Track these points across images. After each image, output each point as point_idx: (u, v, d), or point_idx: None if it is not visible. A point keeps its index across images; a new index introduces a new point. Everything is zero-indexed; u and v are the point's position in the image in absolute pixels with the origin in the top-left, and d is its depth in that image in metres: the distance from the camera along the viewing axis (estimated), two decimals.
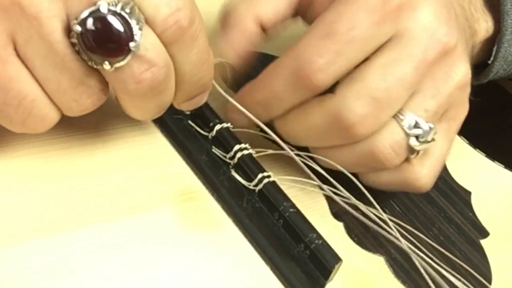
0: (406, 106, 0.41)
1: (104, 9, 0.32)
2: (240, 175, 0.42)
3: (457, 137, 0.56)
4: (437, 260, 0.42)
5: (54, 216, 0.36)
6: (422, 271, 0.38)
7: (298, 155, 0.42)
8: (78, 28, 0.32)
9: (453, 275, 0.41)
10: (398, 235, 0.41)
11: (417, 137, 0.41)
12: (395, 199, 0.47)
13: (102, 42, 0.33)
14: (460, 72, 0.42)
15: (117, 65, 0.33)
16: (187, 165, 0.42)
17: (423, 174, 0.43)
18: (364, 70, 0.40)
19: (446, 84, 0.42)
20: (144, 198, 0.39)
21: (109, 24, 0.33)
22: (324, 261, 0.39)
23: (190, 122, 0.44)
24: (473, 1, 0.52)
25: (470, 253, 0.46)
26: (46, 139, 0.39)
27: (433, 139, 0.42)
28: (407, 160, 0.42)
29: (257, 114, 0.41)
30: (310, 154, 0.43)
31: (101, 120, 0.42)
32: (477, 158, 0.55)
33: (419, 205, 0.48)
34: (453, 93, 0.42)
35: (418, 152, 0.42)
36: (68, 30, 0.33)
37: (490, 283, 0.45)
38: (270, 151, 0.44)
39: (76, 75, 0.34)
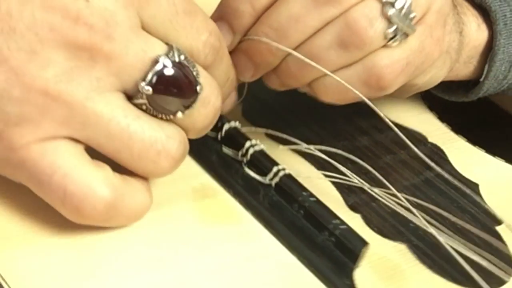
0: None
1: (166, 62, 0.32)
2: (254, 171, 0.41)
3: (456, 135, 0.56)
4: (462, 245, 0.42)
5: None
6: (454, 254, 0.37)
7: (308, 148, 0.42)
8: (146, 89, 0.32)
9: (479, 255, 0.41)
10: (424, 221, 0.40)
11: (392, 4, 0.38)
12: (407, 191, 0.46)
13: (171, 93, 0.33)
14: None
15: (188, 111, 0.34)
16: (199, 165, 0.41)
17: (386, 62, 0.40)
18: None
19: None
20: (159, 196, 0.37)
21: (173, 77, 0.33)
22: (350, 245, 0.38)
23: None
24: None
25: (489, 238, 0.45)
26: None
27: (411, 27, 0.39)
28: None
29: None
30: (322, 148, 0.42)
31: None
32: (478, 154, 0.55)
33: (431, 197, 0.47)
34: None
35: (395, 34, 0.39)
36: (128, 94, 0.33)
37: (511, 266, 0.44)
38: (281, 147, 0.43)
39: (148, 135, 0.33)
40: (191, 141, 0.41)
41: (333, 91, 0.41)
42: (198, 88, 0.34)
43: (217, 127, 0.43)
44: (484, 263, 0.41)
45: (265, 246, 0.38)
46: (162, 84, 0.32)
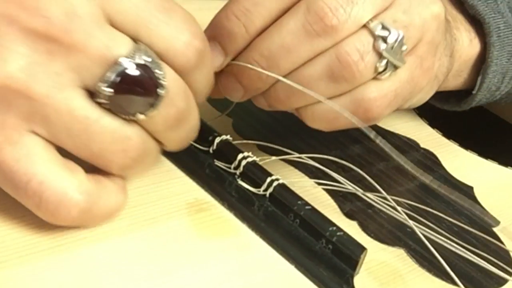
0: (375, 17, 0.38)
1: (127, 64, 0.32)
2: (247, 183, 0.41)
3: (447, 140, 0.56)
4: (460, 246, 0.41)
5: (70, 234, 0.34)
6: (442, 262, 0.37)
7: (300, 157, 0.41)
8: (106, 88, 0.32)
9: (477, 257, 0.41)
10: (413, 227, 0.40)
11: (385, 40, 0.38)
12: (403, 196, 0.46)
13: (132, 94, 0.33)
14: (436, 6, 0.41)
15: (150, 112, 0.33)
16: (192, 180, 0.41)
17: (375, 95, 0.39)
18: None
19: (420, 7, 0.40)
20: (154, 212, 0.37)
21: (134, 78, 0.32)
22: (348, 252, 0.37)
23: None
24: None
25: (486, 240, 0.45)
26: None
27: (402, 60, 0.39)
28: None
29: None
30: (316, 155, 0.42)
31: None
32: (471, 157, 0.55)
33: (427, 201, 0.47)
34: (427, 20, 0.40)
35: (385, 67, 0.38)
36: (90, 92, 0.32)
37: (511, 266, 0.44)
38: (274, 158, 0.43)
39: (108, 134, 0.33)
40: (182, 156, 0.41)
41: (320, 119, 0.40)
42: (159, 91, 0.33)
43: (208, 141, 0.42)
44: (483, 263, 0.41)
45: (262, 256, 0.37)
46: (123, 85, 0.32)
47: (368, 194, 0.41)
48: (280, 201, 0.40)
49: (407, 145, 0.53)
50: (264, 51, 0.38)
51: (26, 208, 0.33)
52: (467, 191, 0.50)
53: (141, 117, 0.33)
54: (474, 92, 0.53)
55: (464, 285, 0.39)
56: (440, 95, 0.53)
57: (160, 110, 0.33)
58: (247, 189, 0.41)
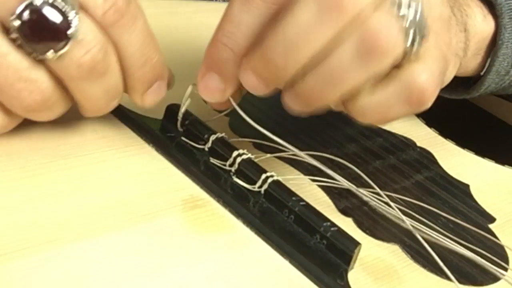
0: None
1: (38, 1, 0.34)
2: (242, 180, 0.41)
3: (444, 139, 0.56)
4: (456, 242, 0.41)
5: (67, 228, 0.35)
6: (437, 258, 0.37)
7: (295, 154, 0.41)
8: (16, 23, 0.34)
9: (473, 252, 0.41)
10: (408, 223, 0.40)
11: (407, 13, 0.36)
12: (399, 193, 0.46)
13: (41, 32, 0.34)
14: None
15: (60, 53, 0.35)
16: (188, 178, 0.41)
17: (424, 77, 0.37)
18: None
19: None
20: (150, 208, 0.38)
21: (44, 15, 0.34)
22: (342, 247, 0.38)
23: (183, 138, 0.43)
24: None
25: (482, 236, 0.45)
26: (58, 159, 0.39)
27: (426, 33, 0.37)
28: (402, 64, 0.38)
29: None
30: (311, 153, 0.42)
31: (97, 143, 0.41)
32: (467, 156, 0.55)
33: (422, 198, 0.47)
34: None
35: (413, 40, 0.37)
36: (5, 28, 0.34)
37: (507, 262, 0.44)
38: (269, 155, 0.43)
39: (14, 71, 0.35)
40: (178, 154, 0.41)
41: (371, 112, 0.38)
42: (70, 31, 0.34)
43: (204, 139, 0.43)
44: (478, 259, 0.41)
45: (257, 252, 0.38)
46: (33, 21, 0.34)
47: (362, 190, 0.41)
48: (275, 197, 0.40)
49: (403, 144, 0.54)
50: (280, 39, 0.36)
51: (21, 202, 0.33)
52: (463, 188, 0.50)
53: (50, 56, 0.35)
54: (482, 73, 0.52)
55: (459, 281, 0.39)
56: (448, 85, 0.52)
57: (71, 51, 0.35)
58: (242, 186, 0.41)
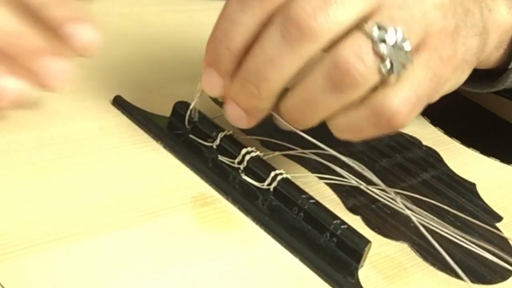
0: (369, 18, 0.37)
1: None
2: (251, 178, 0.41)
3: (449, 138, 0.56)
4: (465, 237, 0.41)
5: (76, 225, 0.34)
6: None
7: (303, 152, 0.41)
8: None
9: (482, 249, 0.41)
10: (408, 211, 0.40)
11: (384, 41, 0.36)
12: (407, 191, 0.46)
13: None
14: None
15: None
16: (197, 175, 0.41)
17: (396, 102, 0.37)
18: None
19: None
20: (159, 205, 0.38)
21: None
22: (353, 245, 0.38)
23: (191, 136, 0.43)
24: None
25: (489, 234, 0.45)
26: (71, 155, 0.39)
27: (408, 59, 0.37)
28: (377, 88, 0.37)
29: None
30: (319, 151, 0.42)
31: (105, 140, 0.41)
32: (473, 155, 0.55)
33: (429, 197, 0.47)
34: (428, 12, 0.38)
35: (390, 69, 0.37)
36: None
37: None
38: (277, 153, 0.43)
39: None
40: (187, 152, 0.41)
41: (345, 131, 0.39)
42: None
43: (212, 137, 0.43)
44: (486, 255, 0.41)
45: (267, 249, 0.37)
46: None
47: (371, 187, 0.41)
48: (284, 195, 0.40)
49: (409, 143, 0.54)
50: (251, 68, 0.37)
51: (29, 199, 0.33)
52: (469, 187, 0.50)
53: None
54: (510, 66, 0.51)
55: (467, 279, 0.39)
56: (470, 78, 0.48)
57: None
58: (251, 184, 0.41)
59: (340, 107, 0.38)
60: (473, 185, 0.51)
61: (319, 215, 0.39)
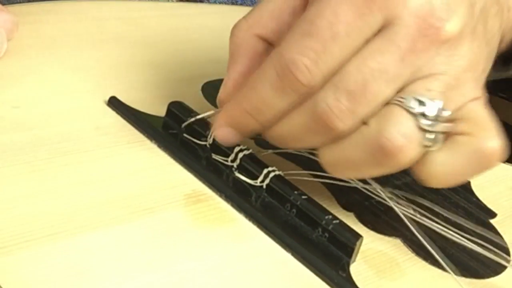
0: (404, 91, 0.37)
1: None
2: (244, 175, 0.41)
3: None
4: (458, 233, 0.42)
5: (71, 221, 0.35)
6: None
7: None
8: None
9: (476, 243, 0.41)
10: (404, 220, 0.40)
11: (424, 115, 0.36)
12: (401, 189, 0.47)
13: None
14: (465, 55, 0.38)
15: None
16: (190, 173, 0.41)
17: (434, 169, 0.38)
18: (346, 63, 0.37)
19: (450, 66, 0.38)
20: (153, 202, 0.38)
21: None
22: (344, 239, 0.38)
23: (185, 135, 0.44)
24: None
25: (483, 231, 0.45)
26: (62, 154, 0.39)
27: (449, 122, 0.37)
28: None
29: (248, 124, 0.40)
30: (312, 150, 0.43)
31: (100, 139, 0.42)
32: None
33: (423, 194, 0.47)
34: (461, 75, 0.38)
35: (435, 138, 0.37)
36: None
37: (509, 255, 0.44)
38: (270, 151, 0.43)
39: None
40: (181, 150, 0.42)
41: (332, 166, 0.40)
42: None
43: (205, 135, 0.43)
44: (478, 249, 0.41)
45: (260, 245, 0.38)
46: None
47: (364, 185, 0.41)
48: (277, 192, 0.40)
49: None
50: (274, 137, 0.40)
51: (25, 196, 0.33)
52: (464, 184, 0.50)
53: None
54: None
55: (461, 274, 0.39)
56: None
57: None
58: (244, 181, 0.41)
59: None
60: (468, 181, 0.51)
61: (311, 211, 0.39)
